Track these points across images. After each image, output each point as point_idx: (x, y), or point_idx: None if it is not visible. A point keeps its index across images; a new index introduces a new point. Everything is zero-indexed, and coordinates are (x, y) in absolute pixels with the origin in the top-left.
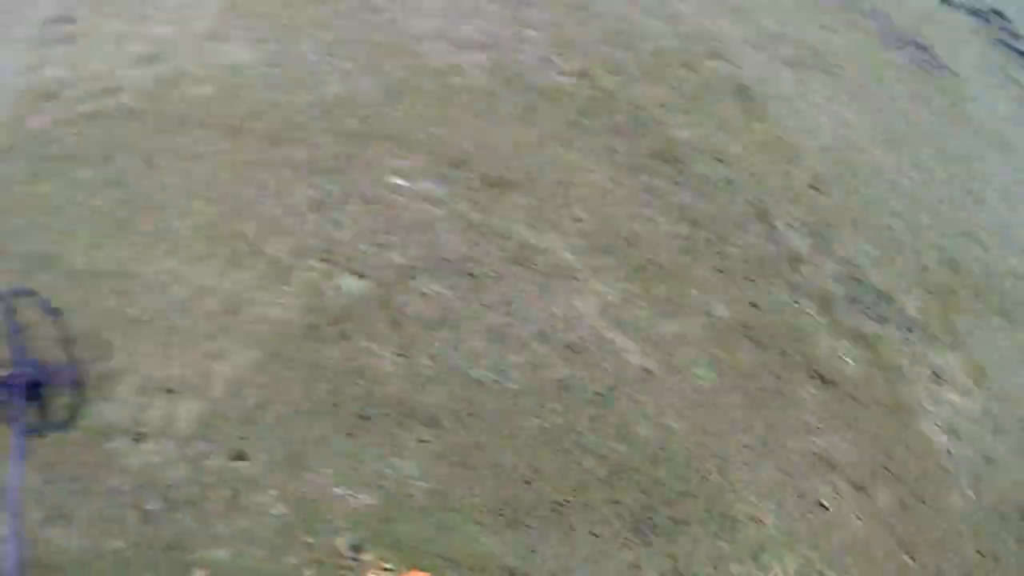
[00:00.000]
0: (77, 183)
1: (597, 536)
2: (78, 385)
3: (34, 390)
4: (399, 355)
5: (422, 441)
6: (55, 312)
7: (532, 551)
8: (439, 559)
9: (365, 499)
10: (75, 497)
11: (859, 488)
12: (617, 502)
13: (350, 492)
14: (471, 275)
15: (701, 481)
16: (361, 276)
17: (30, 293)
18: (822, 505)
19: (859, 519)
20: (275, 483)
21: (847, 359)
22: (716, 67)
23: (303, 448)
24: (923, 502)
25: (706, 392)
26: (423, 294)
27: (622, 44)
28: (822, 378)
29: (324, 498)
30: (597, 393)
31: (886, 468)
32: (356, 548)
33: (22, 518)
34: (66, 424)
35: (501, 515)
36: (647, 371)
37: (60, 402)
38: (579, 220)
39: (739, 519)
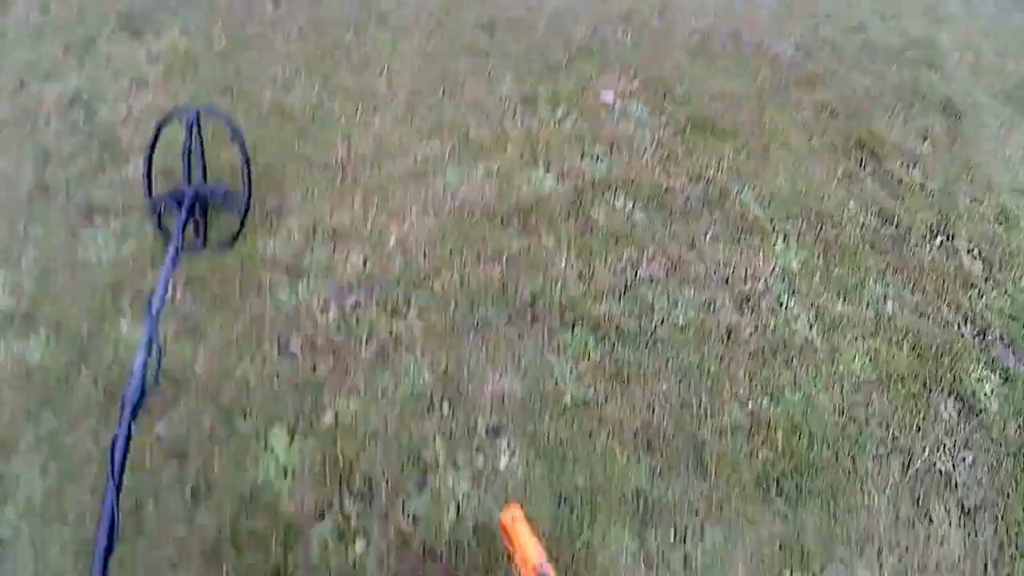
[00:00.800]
0: (278, 25)
1: (727, 483)
2: (245, 212)
3: (201, 208)
4: (579, 259)
5: (583, 347)
6: (239, 135)
7: (664, 480)
8: (573, 463)
9: (514, 387)
10: (215, 317)
11: (967, 513)
12: (751, 454)
13: (500, 376)
14: (663, 205)
15: (832, 459)
16: (557, 177)
17: (217, 114)
18: (930, 518)
19: (959, 543)
20: (426, 349)
21: (989, 392)
22: (931, 77)
23: (463, 323)
24: (1018, 550)
25: (858, 380)
26: (614, 208)
27: (846, 31)
28: (963, 402)
29: (472, 377)
30: (760, 348)
31: (995, 504)
32: (493, 431)
33: (159, 325)
34: (225, 246)
35: (642, 438)
36: (810, 343)
37: (224, 225)
38: (777, 182)
39: (855, 506)
